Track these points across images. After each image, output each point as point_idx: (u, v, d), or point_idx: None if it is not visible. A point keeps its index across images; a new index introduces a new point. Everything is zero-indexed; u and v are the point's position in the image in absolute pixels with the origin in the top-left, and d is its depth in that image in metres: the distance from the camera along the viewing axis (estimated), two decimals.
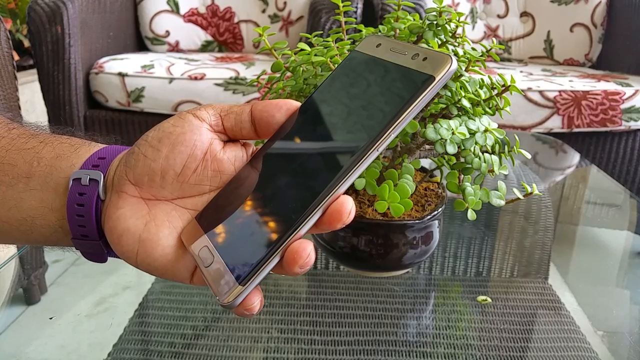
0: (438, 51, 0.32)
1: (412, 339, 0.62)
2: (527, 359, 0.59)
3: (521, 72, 1.66)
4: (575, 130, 1.48)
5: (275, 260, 0.31)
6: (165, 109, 1.57)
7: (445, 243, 0.82)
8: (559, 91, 1.45)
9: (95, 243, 0.35)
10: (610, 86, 1.47)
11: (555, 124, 1.48)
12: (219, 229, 0.33)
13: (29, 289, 0.73)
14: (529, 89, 1.46)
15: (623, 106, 1.45)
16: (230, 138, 0.36)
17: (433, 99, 0.53)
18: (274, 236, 0.31)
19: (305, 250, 0.30)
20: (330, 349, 0.59)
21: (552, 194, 1.10)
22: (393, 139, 0.32)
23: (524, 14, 1.91)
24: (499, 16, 1.92)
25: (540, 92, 1.46)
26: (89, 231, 0.35)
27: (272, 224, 0.32)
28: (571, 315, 0.67)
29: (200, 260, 0.33)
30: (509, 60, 1.93)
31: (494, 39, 0.61)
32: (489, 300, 0.61)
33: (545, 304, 0.71)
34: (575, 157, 1.31)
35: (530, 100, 1.46)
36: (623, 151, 1.51)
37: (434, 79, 0.31)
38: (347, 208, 0.31)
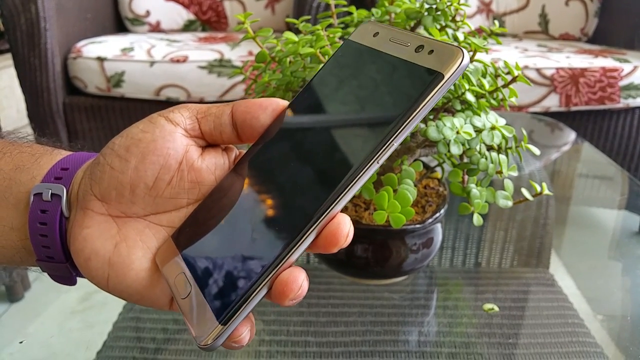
0: (446, 43, 0.27)
1: (411, 339, 0.59)
2: (523, 346, 0.57)
3: (516, 47, 1.61)
4: (573, 108, 1.44)
5: (262, 293, 0.27)
6: (147, 94, 1.50)
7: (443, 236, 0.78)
8: (556, 68, 1.41)
9: (62, 265, 0.31)
10: (608, 62, 1.43)
11: (553, 102, 1.43)
12: (198, 251, 0.29)
13: (11, 286, 0.70)
14: (526, 66, 1.41)
15: (621, 83, 1.40)
16: (209, 143, 0.32)
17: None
18: (261, 264, 0.27)
19: (296, 282, 0.26)
20: (325, 351, 0.55)
21: (548, 171, 1.07)
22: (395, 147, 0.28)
23: None
24: None
25: (537, 70, 1.41)
26: (54, 252, 0.31)
27: (258, 248, 0.27)
28: (569, 299, 0.64)
29: (175, 289, 0.29)
30: (503, 35, 1.87)
31: (495, 21, 0.56)
32: (496, 309, 0.57)
33: (542, 288, 0.68)
34: (570, 135, 1.28)
35: (527, 78, 1.40)
36: (621, 129, 1.47)
37: (443, 76, 0.26)
38: (344, 230, 0.27)
